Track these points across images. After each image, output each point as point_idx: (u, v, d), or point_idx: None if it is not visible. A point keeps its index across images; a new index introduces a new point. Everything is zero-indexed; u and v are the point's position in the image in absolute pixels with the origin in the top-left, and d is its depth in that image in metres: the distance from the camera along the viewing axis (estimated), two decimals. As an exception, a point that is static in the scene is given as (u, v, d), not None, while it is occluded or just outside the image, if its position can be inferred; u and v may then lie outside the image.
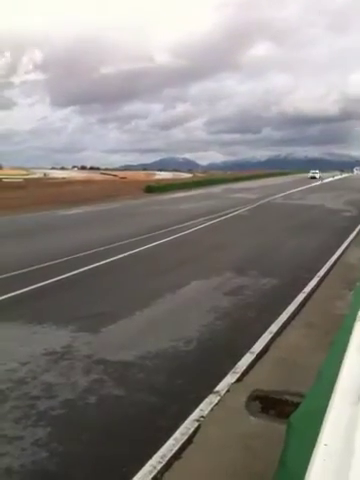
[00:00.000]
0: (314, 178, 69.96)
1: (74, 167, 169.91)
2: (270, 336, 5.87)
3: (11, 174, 77.71)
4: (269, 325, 6.24)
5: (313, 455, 1.51)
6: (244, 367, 4.96)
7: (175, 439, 3.64)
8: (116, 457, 3.49)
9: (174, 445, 3.56)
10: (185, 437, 3.67)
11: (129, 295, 8.04)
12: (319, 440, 1.58)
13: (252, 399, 4.29)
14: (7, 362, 5.12)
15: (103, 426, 3.92)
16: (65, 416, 4.05)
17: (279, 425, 3.41)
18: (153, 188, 41.96)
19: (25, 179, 67.03)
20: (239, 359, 5.15)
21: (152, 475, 3.23)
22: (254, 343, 5.61)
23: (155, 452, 3.46)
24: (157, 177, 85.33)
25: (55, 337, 5.91)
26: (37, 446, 3.60)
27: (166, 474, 3.26)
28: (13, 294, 7.82)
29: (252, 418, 3.97)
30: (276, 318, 6.53)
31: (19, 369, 4.96)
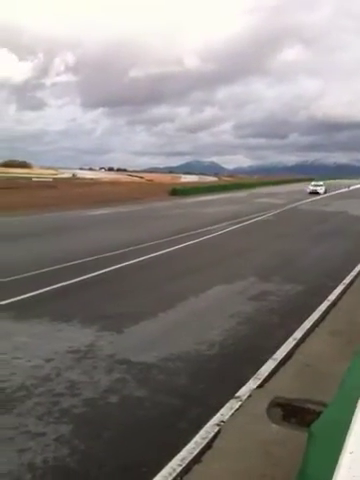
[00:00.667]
0: (316, 193, 43.60)
1: (101, 168, 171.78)
2: (294, 343, 5.81)
3: (41, 174, 79.25)
4: (293, 332, 6.18)
5: (338, 463, 1.50)
6: (266, 373, 4.92)
7: (195, 443, 3.64)
8: (136, 457, 3.52)
9: (194, 449, 3.56)
10: (205, 441, 3.67)
11: (152, 296, 8.09)
12: (344, 448, 1.57)
13: (273, 406, 4.26)
14: (32, 358, 5.21)
15: (124, 426, 3.95)
16: (87, 414, 4.11)
17: (300, 433, 3.38)
18: (178, 191, 42.10)
19: (54, 179, 68.21)
20: (261, 365, 5.12)
21: (171, 477, 3.24)
22: (277, 349, 5.57)
23: (175, 455, 3.47)
24: (183, 180, 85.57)
25: (79, 335, 6.00)
26: (59, 443, 3.65)
27: (185, 477, 3.26)
28: (40, 291, 7.99)
29: (273, 425, 3.93)
30: (300, 325, 6.47)
31: (43, 366, 5.05)
